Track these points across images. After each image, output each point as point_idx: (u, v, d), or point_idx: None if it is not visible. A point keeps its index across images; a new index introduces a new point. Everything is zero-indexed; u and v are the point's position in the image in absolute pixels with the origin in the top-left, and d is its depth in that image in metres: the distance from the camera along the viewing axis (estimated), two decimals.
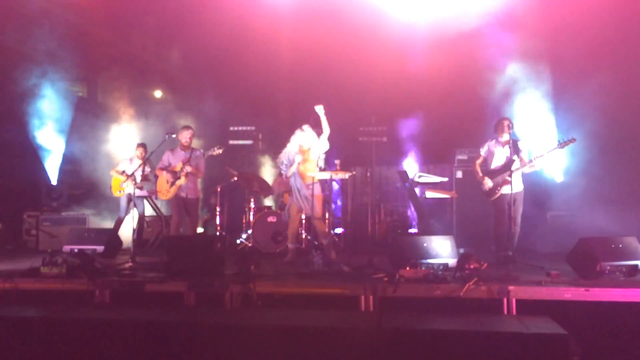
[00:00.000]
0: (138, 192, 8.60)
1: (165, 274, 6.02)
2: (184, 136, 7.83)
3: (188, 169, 7.64)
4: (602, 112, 8.62)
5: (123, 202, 8.89)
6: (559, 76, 9.12)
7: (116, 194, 8.93)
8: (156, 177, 8.02)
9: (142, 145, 8.94)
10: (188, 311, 5.39)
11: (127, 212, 8.88)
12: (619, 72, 8.75)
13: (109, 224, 9.52)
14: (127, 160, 8.98)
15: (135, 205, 8.74)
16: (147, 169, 8.72)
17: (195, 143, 8.48)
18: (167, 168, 7.78)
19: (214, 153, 7.80)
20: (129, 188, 8.69)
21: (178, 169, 7.71)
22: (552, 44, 9.09)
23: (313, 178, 7.13)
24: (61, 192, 10.70)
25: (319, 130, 7.31)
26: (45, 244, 9.23)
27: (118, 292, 5.73)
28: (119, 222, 8.87)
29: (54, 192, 10.67)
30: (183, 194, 7.76)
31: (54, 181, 10.83)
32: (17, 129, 10.66)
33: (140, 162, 8.77)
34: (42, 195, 10.54)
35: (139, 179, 8.52)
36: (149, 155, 8.06)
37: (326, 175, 7.17)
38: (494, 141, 7.20)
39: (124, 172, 8.80)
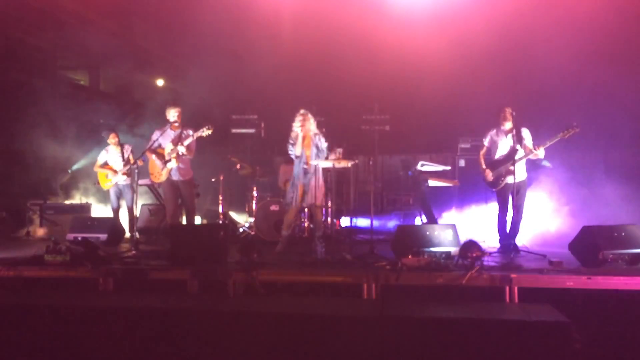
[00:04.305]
0: (125, 180, 8.62)
1: (168, 262, 6.04)
2: (172, 115, 7.43)
3: (182, 149, 7.30)
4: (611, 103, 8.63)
5: (112, 194, 8.85)
6: (563, 65, 9.09)
7: (105, 187, 8.84)
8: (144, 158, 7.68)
9: (112, 131, 8.88)
10: (191, 299, 5.41)
11: (118, 203, 8.87)
12: (630, 62, 8.73)
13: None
14: (103, 151, 8.88)
15: (123, 195, 8.77)
16: (127, 152, 8.71)
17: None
18: (156, 149, 7.47)
19: (203, 134, 7.31)
20: (115, 178, 8.66)
21: (168, 150, 7.43)
22: (555, 33, 9.06)
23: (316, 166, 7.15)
24: (64, 180, 10.74)
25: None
26: (48, 232, 9.26)
27: (121, 280, 5.75)
28: (115, 213, 8.87)
29: (57, 181, 10.71)
30: (175, 177, 7.47)
31: (56, 170, 10.87)
32: (20, 119, 10.67)
33: (115, 148, 8.75)
34: (45, 184, 10.58)
35: (120, 165, 8.53)
36: (151, 143, 7.92)
37: (328, 163, 7.15)
38: (495, 130, 7.17)
39: (105, 163, 8.76)
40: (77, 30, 11.23)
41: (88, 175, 10.69)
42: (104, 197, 10.19)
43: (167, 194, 7.66)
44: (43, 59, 12.08)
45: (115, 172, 8.64)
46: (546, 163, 8.70)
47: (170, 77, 14.25)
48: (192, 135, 7.40)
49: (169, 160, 7.41)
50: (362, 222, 9.02)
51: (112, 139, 8.72)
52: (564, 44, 8.92)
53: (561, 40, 8.91)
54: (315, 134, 7.20)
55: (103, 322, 4.70)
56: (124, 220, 8.78)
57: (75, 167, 11.08)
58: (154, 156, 7.48)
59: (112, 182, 8.69)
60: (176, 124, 7.49)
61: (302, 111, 7.26)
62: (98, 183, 8.94)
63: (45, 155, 10.85)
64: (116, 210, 8.84)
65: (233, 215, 9.65)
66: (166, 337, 4.57)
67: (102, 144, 9.00)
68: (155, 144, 7.50)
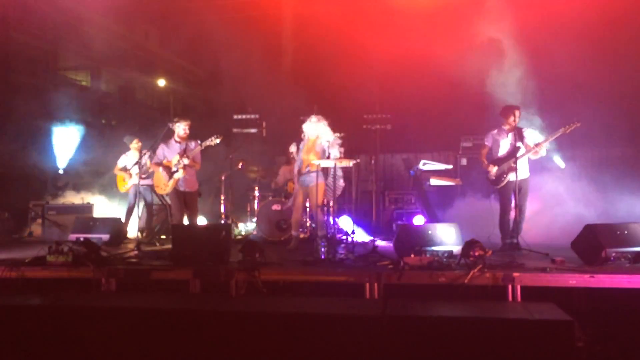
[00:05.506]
0: (143, 182, 8.63)
1: (171, 262, 6.04)
2: (181, 128, 7.53)
3: (185, 161, 7.39)
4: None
5: (131, 194, 8.90)
6: (566, 63, 9.07)
7: (122, 189, 8.98)
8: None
9: (135, 136, 8.96)
10: (193, 299, 5.41)
11: (135, 201, 8.91)
12: (631, 59, 8.73)
13: (117, 209, 9.57)
14: (123, 155, 9.01)
15: (143, 196, 8.83)
16: (145, 157, 8.75)
17: (199, 132, 8.19)
18: (162, 162, 7.56)
19: (212, 143, 7.43)
20: (132, 180, 8.71)
21: (174, 162, 7.50)
22: (556, 30, 9.04)
23: (318, 166, 7.16)
24: (66, 180, 10.74)
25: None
26: (50, 233, 9.25)
27: (124, 280, 5.76)
28: (129, 212, 8.89)
29: (59, 181, 10.71)
30: (181, 188, 7.56)
31: (58, 170, 10.89)
32: (21, 119, 10.69)
33: (135, 153, 8.83)
34: (46, 185, 10.59)
35: (136, 169, 8.56)
36: (151, 145, 7.92)
37: (330, 163, 7.15)
38: (497, 130, 7.19)
39: (124, 167, 8.85)
40: (78, 31, 11.23)
41: (88, 175, 10.72)
42: (110, 195, 10.22)
43: (173, 202, 7.74)
44: (44, 60, 12.08)
45: (131, 175, 8.72)
46: (559, 162, 8.72)
47: (171, 77, 14.24)
48: (201, 145, 7.49)
49: (176, 171, 7.46)
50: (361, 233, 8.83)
51: (135, 144, 8.81)
52: (565, 42, 8.92)
53: (562, 38, 8.91)
54: (317, 138, 7.29)
55: (106, 322, 4.70)
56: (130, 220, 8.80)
57: (64, 166, 11.10)
58: (160, 169, 7.55)
59: (128, 186, 8.79)
60: (183, 135, 7.55)
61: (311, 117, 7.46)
62: (117, 186, 9.00)
63: (46, 155, 10.87)
64: (131, 209, 8.85)
65: (240, 225, 9.63)
66: (168, 337, 4.57)
67: (104, 144, 9.04)
68: (160, 157, 7.61)
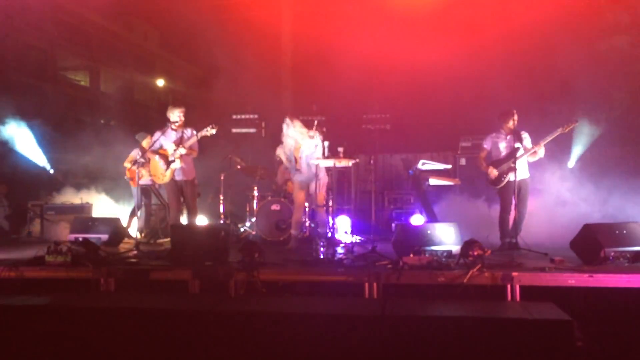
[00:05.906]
0: (144, 181, 8.62)
1: (170, 262, 6.04)
2: (175, 115, 7.41)
3: (182, 150, 7.32)
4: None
5: (139, 192, 8.85)
6: (566, 63, 9.08)
7: (135, 185, 8.88)
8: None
9: (148, 133, 8.93)
10: (192, 299, 5.41)
11: (142, 200, 8.88)
12: (632, 59, 8.75)
13: (121, 210, 9.56)
14: (136, 151, 8.95)
15: (144, 195, 8.81)
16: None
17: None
18: (158, 150, 7.48)
19: (207, 133, 7.31)
20: (144, 179, 8.65)
21: (170, 151, 7.43)
22: (555, 30, 9.06)
23: (317, 166, 7.16)
24: (63, 181, 10.74)
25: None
26: (49, 234, 9.25)
27: (123, 280, 5.75)
28: (134, 212, 8.86)
29: (56, 182, 10.70)
30: (178, 177, 7.49)
31: (53, 171, 10.89)
32: (19, 119, 10.68)
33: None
34: (44, 185, 10.58)
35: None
36: (152, 144, 7.91)
37: (329, 162, 7.15)
38: (495, 133, 7.21)
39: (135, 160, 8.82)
40: (78, 31, 11.22)
41: (86, 175, 10.70)
42: (112, 195, 10.22)
43: (170, 195, 7.68)
44: (44, 60, 12.07)
45: (148, 172, 8.64)
46: (572, 160, 8.74)
47: (170, 77, 14.24)
48: (196, 135, 7.41)
49: (173, 161, 7.40)
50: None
51: (149, 140, 8.74)
52: (566, 43, 8.94)
53: (563, 39, 8.93)
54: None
55: (105, 323, 4.70)
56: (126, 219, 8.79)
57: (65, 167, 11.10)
58: (156, 157, 7.47)
59: (142, 182, 8.70)
60: (178, 124, 7.47)
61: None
62: (131, 180, 8.96)
63: (44, 155, 10.86)
64: (139, 207, 8.81)
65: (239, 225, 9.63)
66: (168, 337, 4.57)
67: (102, 144, 9.01)
68: (157, 145, 7.50)
